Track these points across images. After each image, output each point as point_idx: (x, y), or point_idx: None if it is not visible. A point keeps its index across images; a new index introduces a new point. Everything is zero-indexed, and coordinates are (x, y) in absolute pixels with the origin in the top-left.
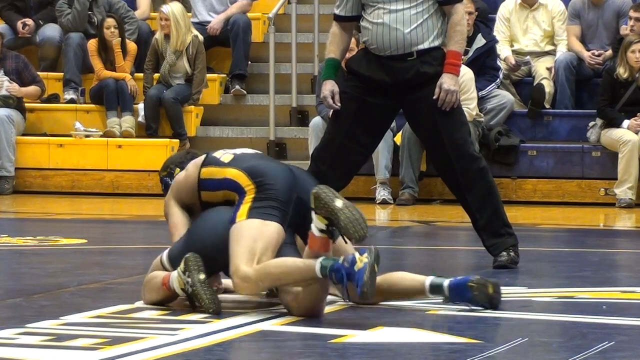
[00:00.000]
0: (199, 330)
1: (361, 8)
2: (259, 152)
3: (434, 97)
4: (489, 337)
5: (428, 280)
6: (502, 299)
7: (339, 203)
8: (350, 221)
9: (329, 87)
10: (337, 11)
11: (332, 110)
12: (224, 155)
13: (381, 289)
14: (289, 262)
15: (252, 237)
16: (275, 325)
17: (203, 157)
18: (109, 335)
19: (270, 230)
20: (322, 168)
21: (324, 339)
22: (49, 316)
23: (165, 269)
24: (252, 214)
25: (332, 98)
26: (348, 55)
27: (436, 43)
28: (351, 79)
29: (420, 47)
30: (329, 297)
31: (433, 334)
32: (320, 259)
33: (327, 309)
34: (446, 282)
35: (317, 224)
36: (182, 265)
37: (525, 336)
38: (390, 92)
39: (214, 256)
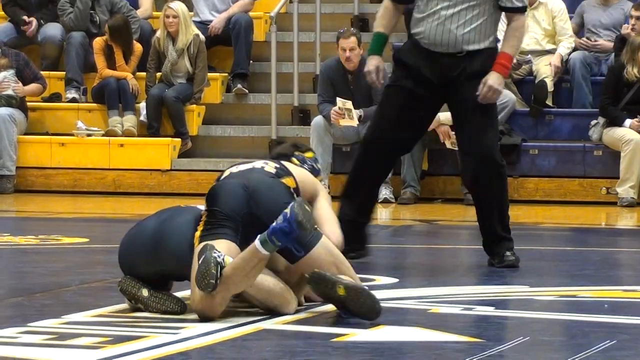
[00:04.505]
0: (201, 329)
1: None
2: (254, 167)
3: (477, 93)
4: (491, 335)
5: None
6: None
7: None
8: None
9: (375, 62)
10: None
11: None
12: (229, 169)
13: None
14: (235, 259)
15: None
16: (277, 324)
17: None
18: (111, 334)
19: (220, 247)
20: (371, 158)
21: (325, 337)
22: (51, 315)
23: None
24: (202, 240)
25: (377, 74)
26: (347, 53)
27: (487, 45)
28: (399, 70)
29: (472, 47)
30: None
31: (435, 332)
32: (258, 236)
33: (328, 307)
34: None
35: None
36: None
37: (527, 335)
38: (435, 87)
39: (160, 261)
